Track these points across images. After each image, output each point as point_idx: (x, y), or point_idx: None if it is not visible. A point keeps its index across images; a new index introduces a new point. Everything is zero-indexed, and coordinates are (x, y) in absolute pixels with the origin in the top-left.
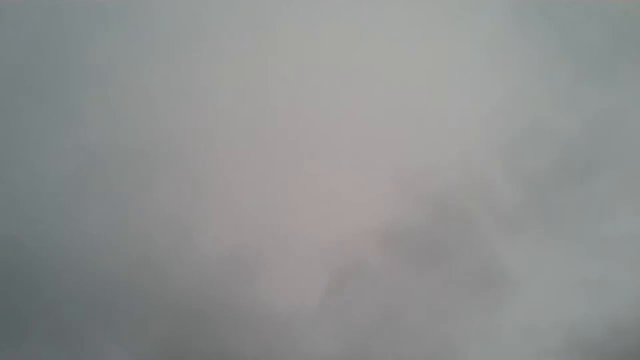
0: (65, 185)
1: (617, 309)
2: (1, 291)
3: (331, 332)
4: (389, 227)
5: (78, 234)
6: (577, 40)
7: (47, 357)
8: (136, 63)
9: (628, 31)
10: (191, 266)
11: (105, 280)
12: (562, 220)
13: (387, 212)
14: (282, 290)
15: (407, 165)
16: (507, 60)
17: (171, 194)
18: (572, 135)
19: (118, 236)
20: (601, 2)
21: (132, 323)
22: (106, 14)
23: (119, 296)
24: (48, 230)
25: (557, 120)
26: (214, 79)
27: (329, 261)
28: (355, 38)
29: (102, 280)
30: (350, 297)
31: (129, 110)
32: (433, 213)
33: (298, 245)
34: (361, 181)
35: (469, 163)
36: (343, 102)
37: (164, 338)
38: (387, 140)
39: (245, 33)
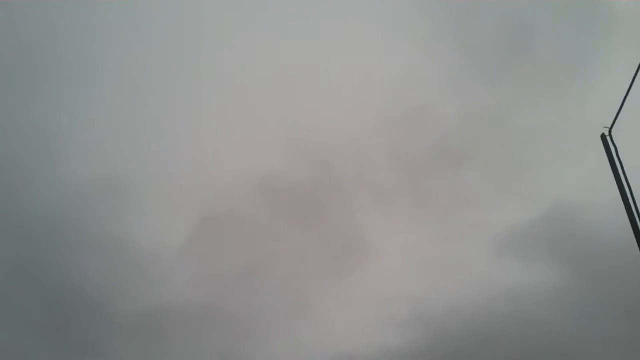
0: None
1: (457, 292)
2: None
3: (190, 278)
4: (268, 181)
5: None
6: (472, 33)
7: None
8: None
9: (520, 34)
10: (49, 187)
11: None
12: (429, 203)
13: (268, 166)
14: (144, 229)
15: (296, 125)
16: (401, 37)
17: (41, 107)
18: (451, 123)
19: None
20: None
21: None
22: None
23: None
24: None
25: (441, 106)
26: None
27: (202, 205)
28: None
29: None
30: (217, 244)
31: None
32: (313, 176)
33: (174, 184)
34: (249, 132)
35: (354, 134)
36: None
37: (17, 258)
38: (281, 99)
39: None
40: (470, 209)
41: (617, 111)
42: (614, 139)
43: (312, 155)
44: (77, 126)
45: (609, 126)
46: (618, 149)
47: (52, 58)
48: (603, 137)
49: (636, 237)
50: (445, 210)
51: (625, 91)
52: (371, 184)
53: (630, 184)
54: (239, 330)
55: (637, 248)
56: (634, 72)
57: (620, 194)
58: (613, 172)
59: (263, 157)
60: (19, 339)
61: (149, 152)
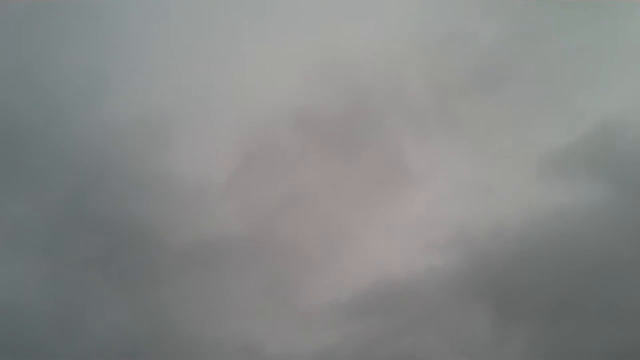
0: None
1: (500, 213)
2: None
3: (237, 211)
4: (303, 113)
5: None
6: None
7: None
8: None
9: None
10: (100, 127)
11: (10, 128)
12: (467, 128)
13: (303, 99)
14: (191, 164)
15: (327, 56)
16: None
17: (88, 49)
18: (490, 44)
19: (29, 85)
20: None
21: (34, 176)
22: None
23: (24, 146)
24: None
25: (476, 28)
26: None
27: (241, 140)
28: None
29: (6, 128)
30: (259, 178)
31: None
32: (348, 106)
33: (212, 121)
34: (282, 66)
35: (387, 62)
36: None
37: (65, 195)
38: (311, 31)
39: None
40: (511, 130)
41: None
42: None
43: (347, 85)
44: (119, 66)
45: None
46: None
47: None
48: None
49: None
50: (485, 133)
51: None
52: (408, 109)
53: None
54: (283, 261)
55: None
56: None
57: None
58: None
59: (298, 89)
60: (75, 271)
61: (190, 90)
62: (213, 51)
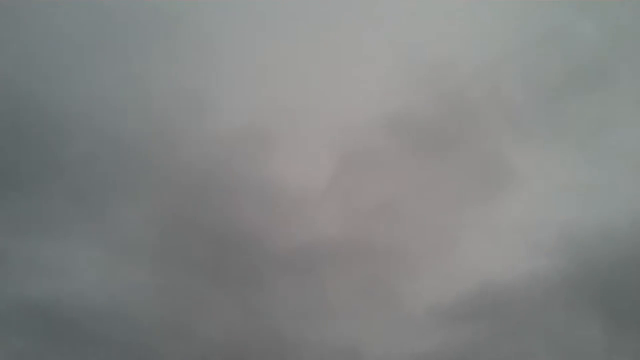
0: (83, 46)
1: (609, 215)
2: (17, 152)
3: (336, 215)
4: (399, 117)
5: (95, 97)
6: None
7: (64, 215)
8: None
9: None
10: (202, 141)
11: (117, 145)
12: (569, 127)
13: (398, 103)
14: (290, 172)
15: (422, 59)
16: None
17: (188, 69)
18: (588, 43)
19: (133, 104)
20: None
21: (143, 188)
22: None
23: (131, 162)
24: (66, 92)
25: (575, 25)
26: None
27: (337, 146)
28: None
29: (115, 145)
30: (356, 182)
31: None
32: (444, 108)
33: (309, 129)
34: (376, 71)
35: (484, 63)
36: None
37: (172, 205)
38: (404, 33)
39: None
40: (617, 128)
41: None
42: None
43: (443, 87)
44: (213, 83)
45: None
46: None
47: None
48: None
49: None
50: (588, 131)
51: None
52: (505, 110)
53: None
54: (385, 264)
55: None
56: None
57: None
58: None
59: (393, 92)
60: (183, 278)
61: (284, 99)
62: (305, 59)
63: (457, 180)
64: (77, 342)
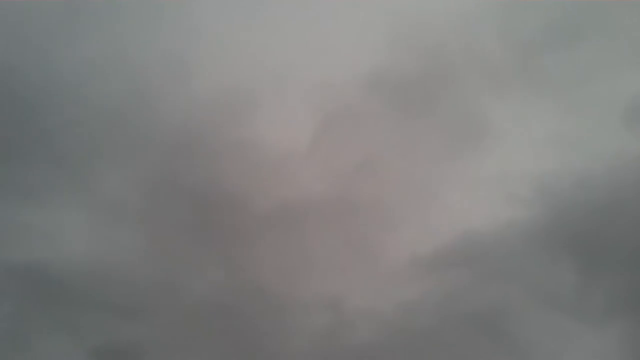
0: (64, 12)
1: (583, 165)
2: (1, 118)
3: (318, 173)
4: (379, 74)
5: (76, 64)
6: None
7: (48, 180)
8: None
9: None
10: (184, 103)
11: (101, 110)
12: (546, 81)
13: (378, 60)
14: (272, 132)
15: (400, 16)
16: None
17: (170, 32)
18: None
19: (114, 68)
20: None
21: (125, 152)
22: None
23: (114, 126)
24: (48, 58)
25: None
26: None
27: (318, 105)
28: None
29: (98, 110)
30: (338, 140)
31: None
32: (422, 64)
33: (290, 89)
34: (355, 29)
35: (462, 18)
36: None
37: (156, 168)
38: None
39: None
40: (593, 82)
41: None
42: None
43: (422, 45)
44: (196, 46)
45: None
46: None
47: None
48: None
49: None
50: (565, 85)
51: None
52: (484, 66)
53: None
54: (366, 219)
55: None
56: None
57: None
58: None
59: (373, 52)
60: (171, 237)
61: (267, 60)
62: (287, 19)
63: (436, 136)
64: (65, 305)
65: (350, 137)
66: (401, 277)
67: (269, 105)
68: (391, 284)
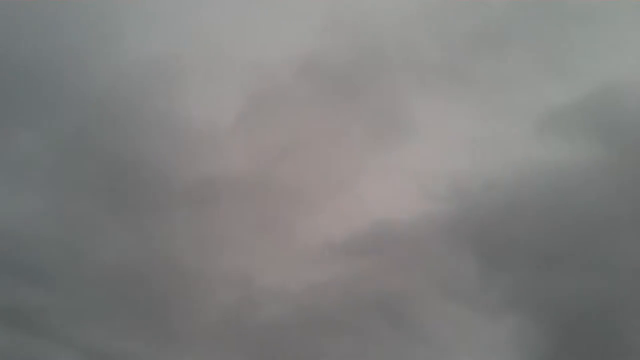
0: None
1: (494, 167)
2: None
3: (241, 151)
4: (311, 59)
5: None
6: None
7: None
8: None
9: None
10: (112, 68)
11: (19, 64)
12: (470, 85)
13: (312, 45)
14: (199, 107)
15: (339, 5)
16: None
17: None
18: (496, 6)
19: (42, 32)
20: None
21: (45, 110)
22: None
23: (32, 83)
24: None
25: None
26: None
27: (247, 83)
28: None
29: (15, 65)
30: (263, 120)
31: None
32: (356, 55)
33: (220, 65)
34: (292, 12)
35: (398, 14)
36: None
37: (74, 130)
38: None
39: None
40: (514, 89)
41: None
42: None
43: (356, 34)
44: (131, 11)
45: None
46: None
47: None
48: None
49: None
50: (488, 89)
51: None
52: (416, 63)
53: None
54: (285, 201)
55: None
56: None
57: None
58: None
59: (307, 35)
60: (79, 202)
61: (199, 33)
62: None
63: (361, 126)
64: None
65: (276, 119)
66: (312, 260)
67: (199, 79)
68: (301, 266)
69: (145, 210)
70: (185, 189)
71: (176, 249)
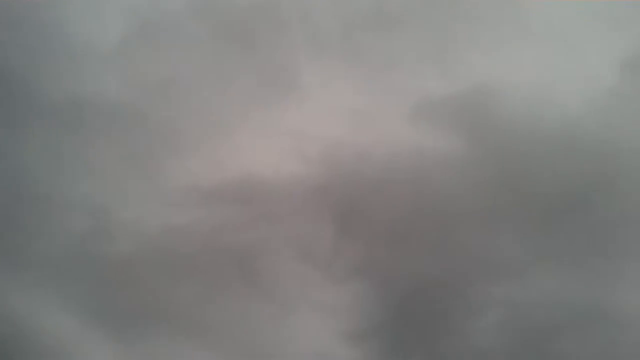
0: None
1: (368, 141)
2: None
3: (118, 78)
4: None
5: None
6: None
7: None
8: None
9: None
10: None
11: None
12: (360, 58)
13: None
14: (81, 26)
15: None
16: None
17: None
18: None
19: None
20: None
21: None
22: None
23: None
24: None
25: None
26: None
27: (137, 8)
28: None
29: None
30: (148, 50)
31: None
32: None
33: None
34: None
35: None
36: None
37: None
38: None
39: None
40: (399, 71)
41: None
42: None
43: None
44: None
45: None
46: None
47: None
48: None
49: None
50: (375, 67)
51: None
52: (312, 31)
53: None
54: (156, 138)
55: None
56: None
57: None
58: None
59: None
60: None
61: None
62: None
63: (248, 78)
64: None
65: (162, 52)
66: (175, 202)
67: None
68: (164, 206)
69: (6, 123)
70: (50, 108)
71: (31, 169)
